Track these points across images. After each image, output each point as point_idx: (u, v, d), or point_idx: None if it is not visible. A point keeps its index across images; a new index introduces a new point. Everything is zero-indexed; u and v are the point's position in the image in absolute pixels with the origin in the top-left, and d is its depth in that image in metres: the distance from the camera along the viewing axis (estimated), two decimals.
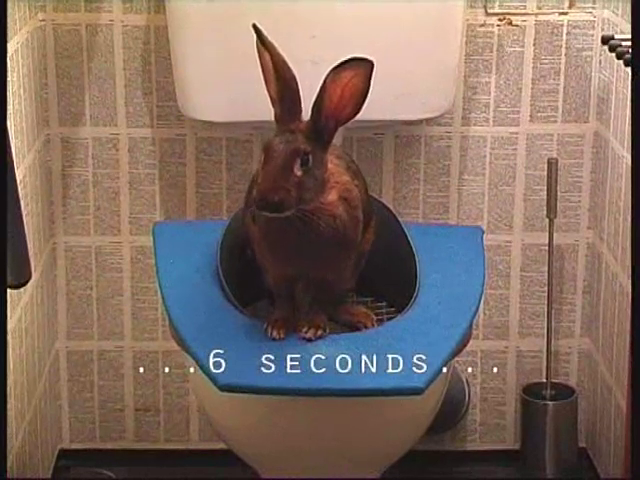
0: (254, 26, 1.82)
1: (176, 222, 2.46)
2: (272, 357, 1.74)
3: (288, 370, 1.71)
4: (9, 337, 2.10)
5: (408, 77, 2.25)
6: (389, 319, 1.96)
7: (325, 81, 1.74)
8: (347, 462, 1.85)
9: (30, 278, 1.85)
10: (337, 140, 2.30)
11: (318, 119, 1.76)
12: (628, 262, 2.23)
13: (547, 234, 2.47)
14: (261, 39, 1.81)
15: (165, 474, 2.54)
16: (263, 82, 2.14)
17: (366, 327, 1.89)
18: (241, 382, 1.69)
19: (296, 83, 1.79)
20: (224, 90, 2.26)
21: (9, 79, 2.08)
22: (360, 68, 1.74)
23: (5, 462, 1.14)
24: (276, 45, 1.80)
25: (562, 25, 2.42)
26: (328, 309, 1.90)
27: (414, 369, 1.70)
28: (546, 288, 2.50)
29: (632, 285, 0.98)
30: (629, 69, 1.91)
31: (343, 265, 1.88)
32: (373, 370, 1.72)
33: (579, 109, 2.46)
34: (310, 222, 1.76)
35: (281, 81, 1.80)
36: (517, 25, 2.43)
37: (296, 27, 2.21)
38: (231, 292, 1.92)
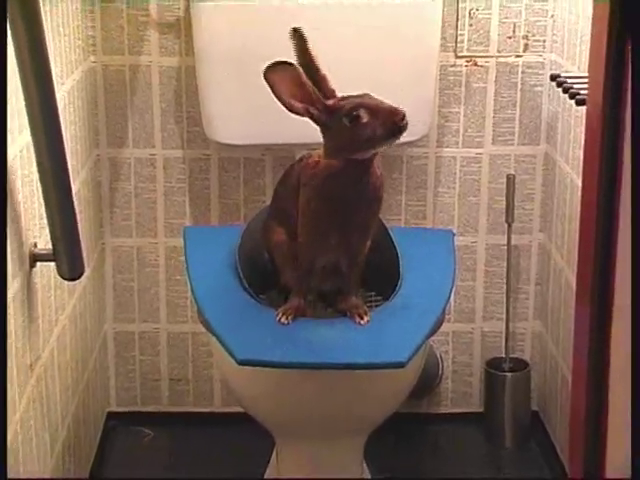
0: (296, 31, 1.77)
1: (202, 226, 2.46)
2: (282, 336, 1.74)
3: (295, 347, 1.71)
4: (67, 322, 2.09)
5: None
6: (377, 306, 1.95)
7: None
8: (343, 423, 1.85)
9: (83, 273, 1.84)
10: None
11: None
12: (573, 259, 2.23)
13: (506, 236, 2.47)
14: (303, 44, 1.76)
15: (193, 432, 2.54)
16: (273, 111, 2.13)
17: (361, 318, 1.84)
18: (256, 357, 1.68)
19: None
20: (241, 118, 2.25)
21: (67, 111, 2.07)
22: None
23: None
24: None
25: (518, 66, 2.42)
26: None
27: (398, 347, 1.69)
28: (505, 280, 2.50)
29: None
30: (573, 101, 1.90)
31: (369, 232, 1.85)
32: (364, 348, 1.72)
33: (532, 134, 2.45)
34: (370, 169, 1.76)
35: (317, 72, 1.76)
36: (481, 66, 2.42)
37: None
38: (247, 283, 1.91)
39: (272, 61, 1.73)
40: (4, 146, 1.04)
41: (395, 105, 1.72)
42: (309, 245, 1.84)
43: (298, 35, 1.76)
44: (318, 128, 1.78)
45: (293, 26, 1.76)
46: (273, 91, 1.74)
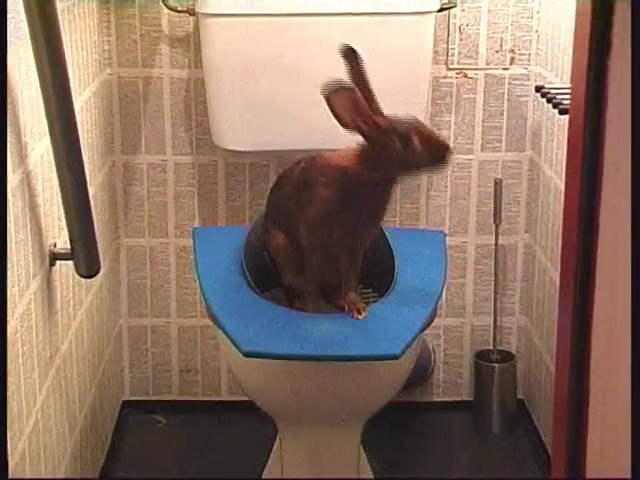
0: (348, 48, 1.73)
1: (210, 227, 2.46)
2: (284, 330, 1.73)
3: (297, 341, 1.71)
4: (84, 316, 2.09)
5: None
6: (374, 302, 1.94)
7: None
8: (342, 411, 1.85)
9: (99, 270, 1.84)
10: None
11: None
12: (556, 258, 2.23)
13: (494, 236, 2.47)
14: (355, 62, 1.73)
15: (201, 419, 2.54)
16: (277, 120, 2.13)
17: (359, 313, 1.81)
18: (260, 350, 1.68)
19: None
20: (246, 126, 2.25)
21: (84, 120, 2.07)
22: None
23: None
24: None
25: (505, 78, 2.42)
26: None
27: (393, 340, 1.69)
28: (493, 278, 2.50)
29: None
30: (556, 110, 1.90)
31: (372, 235, 1.86)
32: (362, 341, 1.72)
33: (518, 141, 2.45)
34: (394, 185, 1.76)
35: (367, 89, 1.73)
36: (471, 77, 2.42)
37: (305, 80, 2.20)
38: (252, 281, 1.91)
39: (331, 81, 1.68)
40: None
41: (443, 139, 1.72)
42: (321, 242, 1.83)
43: (350, 52, 1.73)
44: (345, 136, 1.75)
45: (343, 43, 1.73)
46: (329, 107, 1.69)
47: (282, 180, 1.95)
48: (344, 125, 1.71)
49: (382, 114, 1.73)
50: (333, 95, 1.69)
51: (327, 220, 1.79)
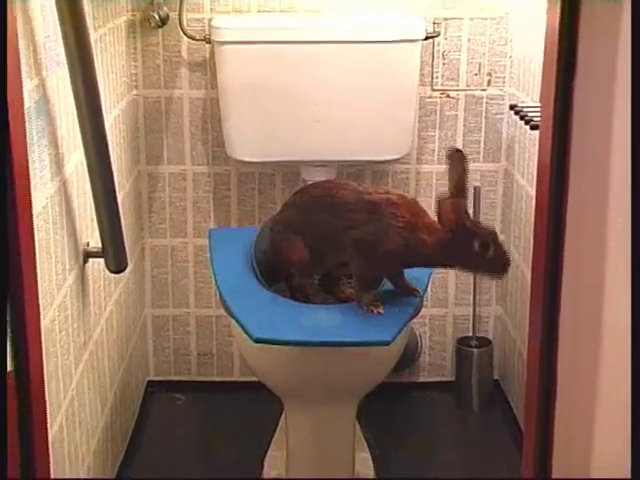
0: (457, 151, 1.72)
1: (224, 228, 2.45)
2: (289, 319, 1.73)
3: (301, 328, 1.71)
4: (113, 307, 2.09)
5: (380, 132, 2.25)
6: None
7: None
8: (340, 390, 1.84)
9: (126, 267, 1.85)
10: (331, 174, 2.31)
11: None
12: (528, 256, 2.22)
13: None
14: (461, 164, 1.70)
15: (217, 397, 2.54)
16: (283, 135, 2.12)
17: (377, 308, 1.77)
18: (269, 336, 1.68)
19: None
20: (256, 140, 2.25)
21: (114, 134, 2.07)
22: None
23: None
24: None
25: (483, 97, 2.42)
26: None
27: (384, 328, 1.69)
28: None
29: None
30: (528, 126, 1.90)
31: None
32: (357, 329, 1.72)
33: (494, 153, 2.45)
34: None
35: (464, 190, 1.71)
36: (453, 97, 2.42)
37: (305, 99, 2.20)
38: (261, 276, 1.91)
39: (448, 197, 1.68)
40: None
41: (509, 254, 1.72)
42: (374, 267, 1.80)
43: (458, 154, 1.71)
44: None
45: (454, 147, 1.73)
46: (437, 208, 1.68)
47: (313, 200, 1.86)
48: (442, 225, 1.69)
49: (468, 214, 1.71)
50: (445, 203, 1.67)
51: (387, 266, 1.79)
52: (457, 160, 1.71)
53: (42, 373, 1.33)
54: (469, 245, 1.69)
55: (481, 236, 1.69)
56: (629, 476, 0.97)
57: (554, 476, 1.14)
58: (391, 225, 1.73)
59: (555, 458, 1.14)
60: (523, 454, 1.25)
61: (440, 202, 1.68)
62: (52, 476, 1.41)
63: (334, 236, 1.80)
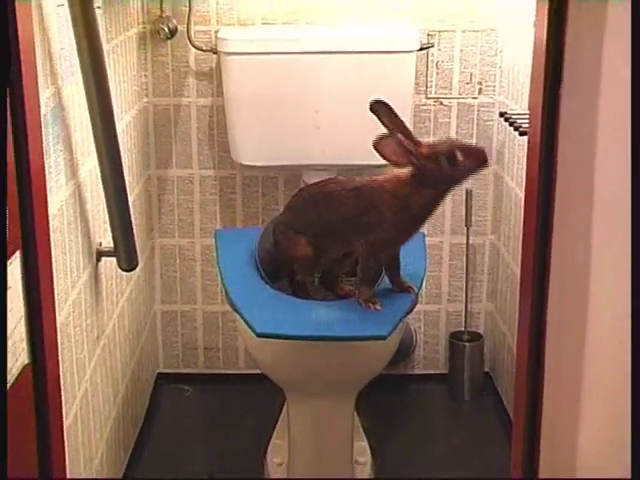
0: (377, 102, 1.69)
1: (229, 229, 2.45)
2: (291, 315, 1.73)
3: (302, 323, 1.70)
4: (125, 303, 2.09)
5: None
6: None
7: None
8: (339, 382, 1.84)
9: (137, 265, 1.84)
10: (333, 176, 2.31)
11: None
12: (517, 255, 2.22)
13: (465, 237, 2.46)
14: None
15: (222, 389, 2.53)
16: (285, 140, 2.12)
17: (375, 305, 1.78)
18: (271, 331, 1.67)
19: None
20: (260, 146, 2.25)
21: (125, 140, 2.07)
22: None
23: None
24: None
25: (474, 105, 2.41)
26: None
27: (381, 324, 1.68)
28: (464, 271, 2.49)
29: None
30: (517, 132, 1.90)
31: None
32: (356, 324, 1.71)
33: None
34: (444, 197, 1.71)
35: (405, 130, 1.68)
36: (446, 105, 2.41)
37: (306, 106, 2.20)
38: (264, 273, 1.90)
39: (379, 135, 1.65)
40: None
41: (477, 145, 1.68)
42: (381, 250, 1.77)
43: (382, 104, 1.69)
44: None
45: (372, 99, 1.68)
46: (381, 155, 1.65)
47: (308, 199, 1.85)
48: (397, 165, 1.67)
49: (422, 145, 1.68)
50: (380, 144, 1.65)
51: (394, 239, 1.76)
52: (383, 108, 1.68)
53: (58, 366, 1.33)
54: (440, 168, 1.66)
55: (443, 153, 1.66)
56: (615, 463, 0.97)
57: (541, 471, 1.13)
58: (376, 202, 1.72)
59: (542, 453, 1.13)
60: (512, 454, 1.24)
61: (376, 145, 1.64)
62: (67, 462, 1.41)
63: (331, 227, 1.80)
